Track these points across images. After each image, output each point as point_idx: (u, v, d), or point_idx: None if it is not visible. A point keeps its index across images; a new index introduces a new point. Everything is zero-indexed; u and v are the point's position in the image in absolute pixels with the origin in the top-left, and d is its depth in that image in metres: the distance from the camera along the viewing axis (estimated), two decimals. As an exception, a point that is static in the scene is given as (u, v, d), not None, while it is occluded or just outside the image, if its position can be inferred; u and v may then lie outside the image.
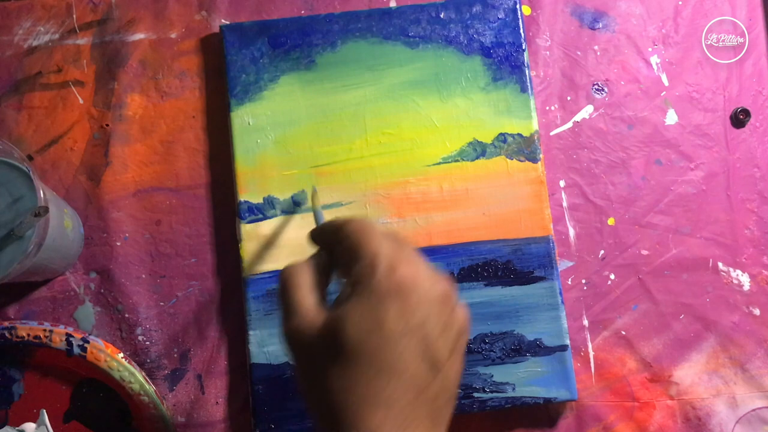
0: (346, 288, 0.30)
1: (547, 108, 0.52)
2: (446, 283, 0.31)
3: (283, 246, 0.47)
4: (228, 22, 0.51)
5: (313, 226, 0.35)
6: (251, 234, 0.47)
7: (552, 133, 0.51)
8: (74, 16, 0.50)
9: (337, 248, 0.31)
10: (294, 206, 0.48)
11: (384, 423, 0.28)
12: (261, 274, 0.47)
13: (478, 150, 0.49)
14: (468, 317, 0.32)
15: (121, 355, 0.45)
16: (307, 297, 0.31)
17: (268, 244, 0.47)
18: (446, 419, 0.31)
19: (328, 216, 0.47)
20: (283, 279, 0.32)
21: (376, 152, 0.48)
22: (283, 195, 0.48)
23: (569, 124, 0.52)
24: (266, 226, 0.47)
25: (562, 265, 0.50)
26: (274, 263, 0.47)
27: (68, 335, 0.44)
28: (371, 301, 0.29)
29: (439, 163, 0.49)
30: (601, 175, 0.51)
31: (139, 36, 0.50)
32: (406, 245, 0.31)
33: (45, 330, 0.44)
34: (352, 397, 0.28)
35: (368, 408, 0.28)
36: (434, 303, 0.30)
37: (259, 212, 0.47)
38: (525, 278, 0.47)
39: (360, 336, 0.28)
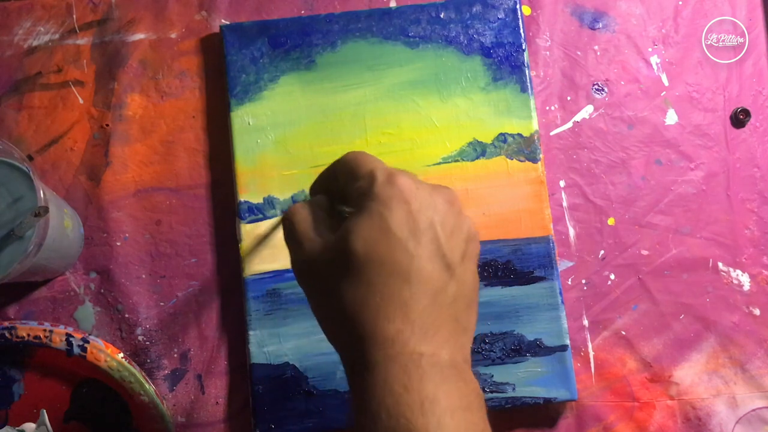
0: (350, 210, 0.30)
1: (547, 108, 0.52)
2: (449, 189, 0.31)
3: (283, 246, 0.47)
4: (228, 22, 0.51)
5: None
6: (251, 234, 0.47)
7: (552, 133, 0.51)
8: (74, 16, 0.50)
9: (336, 185, 0.31)
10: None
11: (403, 329, 0.27)
12: (261, 274, 0.47)
13: (478, 150, 0.49)
14: (474, 226, 0.31)
15: (121, 355, 0.45)
16: (311, 229, 0.30)
17: (269, 244, 0.47)
18: (471, 326, 0.30)
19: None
20: (286, 220, 0.32)
21: (376, 152, 0.48)
22: (283, 195, 0.48)
23: (569, 124, 0.52)
24: (266, 226, 0.47)
25: (562, 265, 0.50)
26: (274, 263, 0.47)
27: (68, 335, 0.44)
28: (375, 209, 0.28)
29: (439, 163, 0.49)
30: (601, 175, 0.51)
31: (139, 36, 0.50)
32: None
33: (45, 330, 0.44)
34: (368, 308, 0.27)
35: (385, 316, 0.27)
36: (439, 206, 0.29)
37: (259, 212, 0.47)
38: (525, 278, 0.47)
39: (368, 245, 0.28)
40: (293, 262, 0.31)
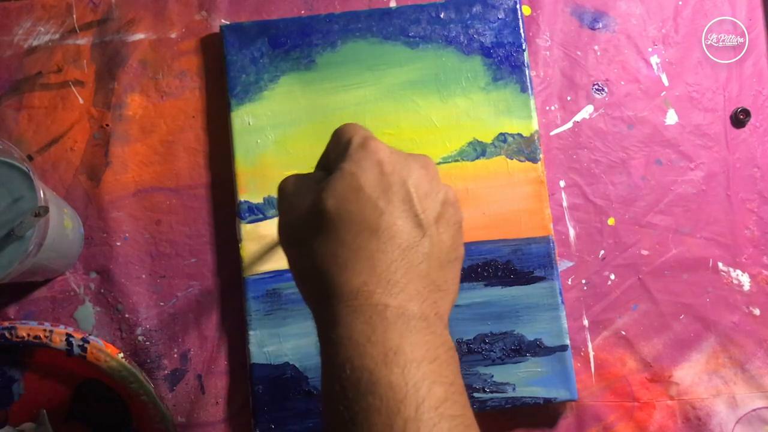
0: (332, 164, 0.31)
1: (547, 108, 0.52)
2: (425, 156, 0.31)
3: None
4: (228, 22, 0.51)
5: None
6: (251, 234, 0.47)
7: (552, 133, 0.51)
8: (74, 16, 0.50)
9: (330, 156, 0.32)
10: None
11: (368, 281, 0.27)
12: (261, 274, 0.47)
13: (478, 150, 0.49)
14: (455, 195, 0.32)
15: (121, 355, 0.45)
16: (297, 194, 0.31)
17: (269, 244, 0.47)
18: (447, 287, 0.30)
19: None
20: (280, 189, 0.32)
21: (376, 152, 0.48)
22: (283, 195, 0.48)
23: (569, 124, 0.52)
24: (266, 226, 0.47)
25: (562, 265, 0.50)
26: (274, 263, 0.47)
27: (68, 335, 0.44)
28: (347, 169, 0.29)
29: (439, 163, 0.49)
30: (601, 175, 0.51)
31: (139, 36, 0.50)
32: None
33: (45, 330, 0.44)
34: (337, 263, 0.28)
35: (352, 268, 0.27)
36: (413, 169, 0.30)
37: (259, 212, 0.47)
38: (525, 278, 0.47)
39: (339, 202, 0.28)
40: (279, 228, 0.32)
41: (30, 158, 0.49)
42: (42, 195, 0.39)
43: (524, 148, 0.49)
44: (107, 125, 0.49)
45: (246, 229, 0.47)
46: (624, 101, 0.52)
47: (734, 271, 0.50)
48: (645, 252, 0.50)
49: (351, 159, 0.29)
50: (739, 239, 0.51)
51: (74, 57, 0.50)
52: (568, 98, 0.52)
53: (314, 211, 0.29)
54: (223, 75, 0.49)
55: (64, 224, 0.44)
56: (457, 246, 0.31)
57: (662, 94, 0.52)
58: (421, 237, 0.29)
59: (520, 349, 0.47)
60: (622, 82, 0.52)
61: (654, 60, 0.52)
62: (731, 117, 0.52)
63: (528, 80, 0.49)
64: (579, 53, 0.52)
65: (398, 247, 0.28)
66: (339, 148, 0.31)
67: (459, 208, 0.32)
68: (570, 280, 0.50)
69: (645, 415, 0.48)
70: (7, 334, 0.44)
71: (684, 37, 0.53)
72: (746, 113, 0.52)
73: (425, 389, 0.25)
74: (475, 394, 0.46)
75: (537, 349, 0.47)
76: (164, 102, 0.50)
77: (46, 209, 0.38)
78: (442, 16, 0.50)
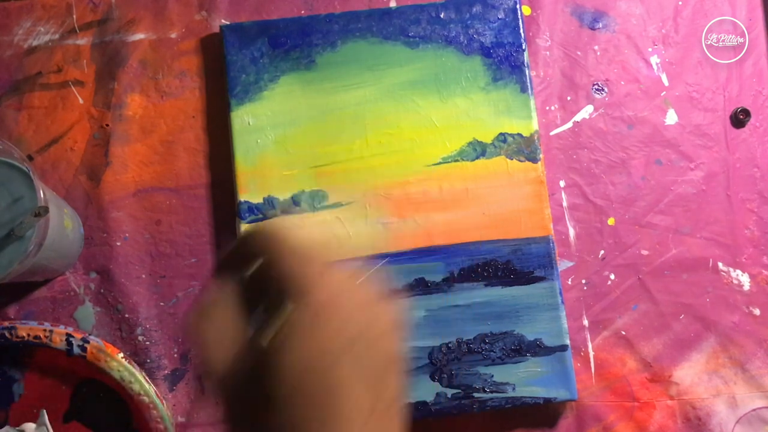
0: (271, 321, 0.26)
1: (547, 108, 0.52)
2: (366, 288, 0.27)
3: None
4: (228, 22, 0.51)
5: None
6: (251, 234, 0.47)
7: (552, 133, 0.51)
8: (74, 16, 0.50)
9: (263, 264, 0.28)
10: (294, 206, 0.48)
11: None
12: (261, 274, 0.47)
13: (478, 150, 0.49)
14: (394, 309, 0.28)
15: (121, 355, 0.45)
16: (224, 339, 0.27)
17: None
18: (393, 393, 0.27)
19: (329, 215, 0.47)
20: (189, 326, 0.27)
21: (376, 152, 0.48)
22: (283, 195, 0.48)
23: (569, 124, 0.52)
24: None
25: (562, 265, 0.50)
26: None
27: (68, 335, 0.44)
28: (294, 337, 0.25)
29: (439, 163, 0.49)
30: (601, 175, 0.51)
31: (139, 36, 0.50)
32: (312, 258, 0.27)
33: (45, 330, 0.44)
34: None
35: None
36: (355, 320, 0.26)
37: (259, 212, 0.47)
38: (525, 278, 0.47)
39: (292, 375, 0.24)
40: (204, 372, 0.27)
41: (30, 158, 0.49)
42: (42, 195, 0.39)
43: (524, 148, 0.49)
44: (107, 125, 0.49)
45: (246, 229, 0.47)
46: (624, 101, 0.52)
47: (734, 271, 0.50)
48: (645, 252, 0.50)
49: (295, 322, 0.25)
50: (739, 239, 0.51)
51: (74, 57, 0.50)
52: (568, 98, 0.52)
53: (258, 378, 0.25)
54: (223, 75, 0.49)
55: (64, 224, 0.44)
56: (398, 362, 0.28)
57: (662, 94, 0.52)
58: (380, 392, 0.26)
59: (520, 349, 0.47)
60: (622, 82, 0.52)
61: (654, 60, 0.52)
62: (731, 117, 0.52)
63: (528, 80, 0.49)
64: (579, 53, 0.52)
65: (363, 415, 0.25)
66: (277, 297, 0.26)
67: (398, 322, 0.28)
68: (570, 280, 0.50)
69: (645, 415, 0.48)
70: (7, 334, 0.44)
71: (684, 37, 0.53)
72: (746, 113, 0.52)
73: None
74: (475, 394, 0.46)
75: (537, 349, 0.47)
76: (164, 102, 0.50)
77: (46, 209, 0.38)
78: (442, 16, 0.50)
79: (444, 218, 0.48)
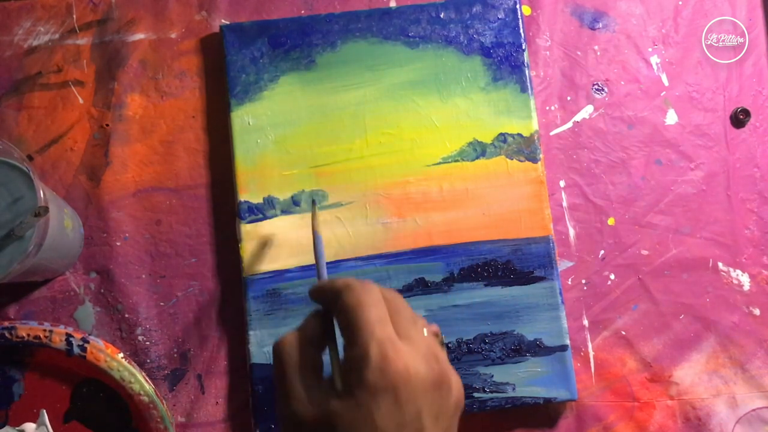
0: (344, 377, 0.30)
1: (547, 108, 0.52)
2: (440, 362, 0.30)
3: (283, 246, 0.47)
4: (228, 22, 0.51)
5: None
6: (251, 234, 0.47)
7: (552, 133, 0.51)
8: (74, 16, 0.50)
9: (337, 318, 0.31)
10: (294, 206, 0.48)
11: None
12: (261, 274, 0.47)
13: (478, 150, 0.49)
14: (462, 389, 0.31)
15: (121, 355, 0.45)
16: (299, 380, 0.30)
17: (268, 244, 0.47)
18: None
19: (329, 215, 0.47)
20: (275, 357, 0.31)
21: (376, 152, 0.48)
22: (283, 195, 0.48)
23: (569, 124, 0.52)
24: (266, 226, 0.47)
25: (562, 265, 0.50)
26: (274, 263, 0.47)
27: (68, 335, 0.44)
28: (363, 398, 0.28)
29: (439, 163, 0.49)
30: (601, 175, 0.51)
31: (139, 36, 0.50)
32: (400, 313, 0.31)
33: (45, 330, 0.44)
34: None
35: None
36: (427, 392, 0.29)
37: (259, 212, 0.47)
38: (525, 278, 0.47)
39: None
40: (279, 410, 0.31)
41: (30, 158, 0.49)
42: (42, 195, 0.39)
43: (524, 148, 0.49)
44: (107, 125, 0.49)
45: (246, 229, 0.47)
46: (624, 101, 0.52)
47: (734, 271, 0.50)
48: (645, 252, 0.50)
49: (367, 388, 0.28)
50: (739, 239, 0.51)
51: (74, 57, 0.50)
52: (568, 98, 0.52)
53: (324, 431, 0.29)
54: (223, 75, 0.49)
55: (64, 224, 0.44)
56: None
57: (662, 94, 0.52)
58: None
59: (520, 349, 0.47)
60: (622, 82, 0.52)
61: (654, 60, 0.52)
62: (731, 117, 0.52)
63: (528, 80, 0.49)
64: (579, 53, 0.52)
65: None
66: (354, 352, 0.29)
67: (463, 400, 0.32)
68: (570, 280, 0.50)
69: (645, 415, 0.48)
70: (7, 334, 0.44)
71: (684, 37, 0.53)
72: (746, 113, 0.52)
73: None
74: (475, 394, 0.46)
75: (537, 349, 0.47)
76: (164, 102, 0.50)
77: (46, 209, 0.38)
78: (442, 16, 0.50)
79: (444, 218, 0.48)
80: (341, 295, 0.31)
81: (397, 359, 0.29)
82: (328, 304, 0.32)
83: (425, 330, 0.32)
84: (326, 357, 0.32)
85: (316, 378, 0.31)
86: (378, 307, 0.30)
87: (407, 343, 0.30)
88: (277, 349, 0.31)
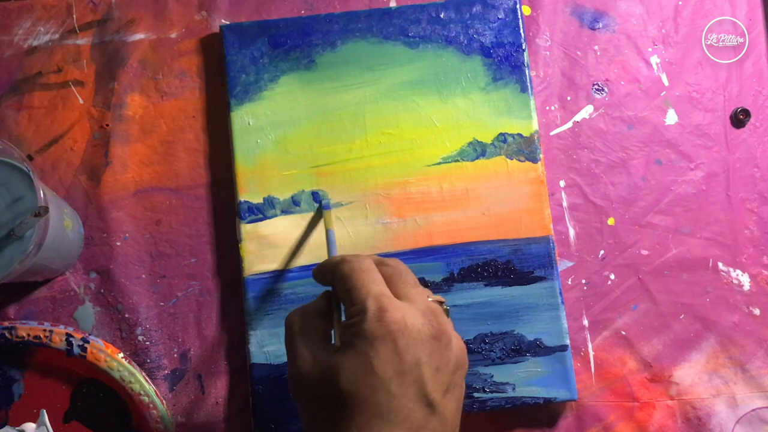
0: (344, 331, 0.31)
1: (547, 108, 0.52)
2: (438, 318, 0.31)
3: (283, 246, 0.47)
4: (228, 22, 0.51)
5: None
6: (251, 234, 0.47)
7: (552, 133, 0.51)
8: (74, 16, 0.50)
9: (336, 288, 0.33)
10: (294, 206, 0.48)
11: None
12: (261, 274, 0.47)
13: (478, 150, 0.49)
14: (464, 349, 0.32)
15: (121, 355, 0.45)
16: (304, 343, 0.32)
17: (268, 244, 0.47)
18: None
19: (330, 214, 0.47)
20: (286, 326, 0.33)
21: (376, 152, 0.48)
22: (283, 195, 0.48)
23: (569, 124, 0.52)
24: (266, 226, 0.47)
25: (562, 265, 0.50)
26: (274, 263, 0.47)
27: (68, 335, 0.44)
28: (361, 347, 0.29)
29: (439, 163, 0.49)
30: (601, 175, 0.51)
31: (139, 36, 0.50)
32: (400, 277, 0.32)
33: (45, 330, 0.44)
34: None
35: None
36: (425, 343, 0.30)
37: (259, 212, 0.47)
38: (525, 278, 0.47)
39: (352, 383, 0.29)
40: (288, 373, 0.33)
41: (30, 158, 0.49)
42: (42, 195, 0.39)
43: (524, 148, 0.49)
44: (107, 125, 0.49)
45: (246, 229, 0.47)
46: (624, 101, 0.52)
47: (734, 271, 0.50)
48: (645, 252, 0.50)
49: (365, 337, 0.29)
50: (739, 239, 0.51)
51: (74, 57, 0.50)
52: (568, 98, 0.52)
53: (327, 382, 0.30)
54: (223, 75, 0.49)
55: (64, 224, 0.44)
56: (459, 409, 0.32)
57: (662, 94, 0.52)
58: (431, 415, 0.29)
59: (520, 349, 0.47)
60: (622, 82, 0.52)
61: (654, 60, 0.52)
62: (731, 117, 0.52)
63: (528, 80, 0.49)
64: (579, 53, 0.52)
65: (408, 429, 0.29)
66: (352, 309, 0.31)
67: (466, 361, 0.32)
68: (570, 280, 0.50)
69: (645, 415, 0.48)
70: (7, 334, 0.44)
71: (684, 37, 0.53)
72: (746, 113, 0.52)
73: None
74: (475, 394, 0.46)
75: (537, 349, 0.47)
76: (164, 102, 0.50)
77: (46, 209, 0.38)
78: (442, 16, 0.50)
79: (444, 218, 0.48)
80: (338, 266, 0.33)
81: (394, 310, 0.30)
82: (328, 279, 0.34)
83: (429, 298, 0.33)
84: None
85: (320, 342, 0.32)
86: (372, 271, 0.32)
87: (406, 301, 0.31)
88: (287, 320, 0.34)
